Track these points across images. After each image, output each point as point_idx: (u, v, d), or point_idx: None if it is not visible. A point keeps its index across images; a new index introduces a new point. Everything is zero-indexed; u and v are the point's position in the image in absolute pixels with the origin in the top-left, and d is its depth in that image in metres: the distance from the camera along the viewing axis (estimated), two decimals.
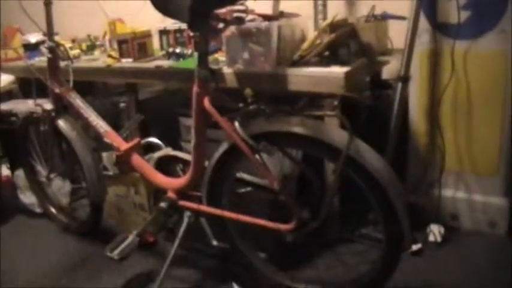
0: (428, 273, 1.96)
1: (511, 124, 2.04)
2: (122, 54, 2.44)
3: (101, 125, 2.14)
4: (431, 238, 2.14)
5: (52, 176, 2.47)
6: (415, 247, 2.05)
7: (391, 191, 1.50)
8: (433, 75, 2.13)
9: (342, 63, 1.91)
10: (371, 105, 2.14)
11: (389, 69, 2.30)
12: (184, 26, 2.36)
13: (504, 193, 2.13)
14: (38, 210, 2.70)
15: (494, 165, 2.12)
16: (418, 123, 2.22)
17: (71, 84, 2.20)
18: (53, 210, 2.60)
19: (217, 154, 1.73)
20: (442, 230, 2.16)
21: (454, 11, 2.00)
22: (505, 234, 2.14)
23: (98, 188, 2.24)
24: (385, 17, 2.30)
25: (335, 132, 1.57)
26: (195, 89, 1.68)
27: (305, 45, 1.96)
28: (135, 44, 2.40)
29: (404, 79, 2.06)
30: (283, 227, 1.67)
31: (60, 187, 2.57)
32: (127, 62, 2.41)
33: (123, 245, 1.95)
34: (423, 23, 2.08)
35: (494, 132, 2.07)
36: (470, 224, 2.21)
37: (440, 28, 2.08)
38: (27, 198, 2.72)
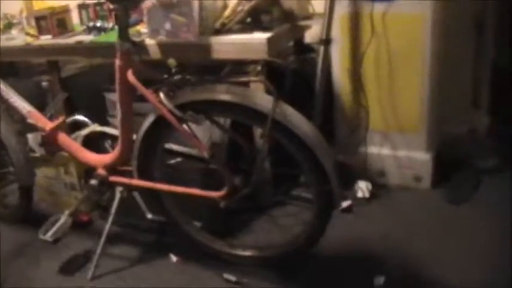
0: (359, 227, 2.04)
1: (430, 81, 2.11)
2: (41, 31, 2.34)
3: (23, 106, 2.05)
4: (359, 195, 2.22)
5: None
6: (344, 204, 2.12)
7: (318, 152, 1.54)
8: (354, 38, 2.18)
9: (265, 29, 1.92)
10: (295, 69, 2.17)
11: (312, 33, 2.32)
12: None
13: (428, 148, 2.22)
14: None
15: (416, 122, 2.19)
16: (343, 85, 2.27)
17: None
18: None
19: (144, 127, 1.71)
20: (370, 186, 2.25)
21: None
22: (430, 188, 2.25)
23: (25, 172, 2.19)
24: None
25: (260, 97, 1.58)
26: (118, 62, 1.65)
27: (227, 12, 1.96)
28: (53, 19, 2.31)
29: (326, 42, 2.10)
30: (215, 194, 1.68)
31: None
32: (46, 39, 2.32)
33: (56, 226, 1.92)
34: None
35: (415, 90, 2.14)
36: (397, 180, 2.30)
37: None
38: None
